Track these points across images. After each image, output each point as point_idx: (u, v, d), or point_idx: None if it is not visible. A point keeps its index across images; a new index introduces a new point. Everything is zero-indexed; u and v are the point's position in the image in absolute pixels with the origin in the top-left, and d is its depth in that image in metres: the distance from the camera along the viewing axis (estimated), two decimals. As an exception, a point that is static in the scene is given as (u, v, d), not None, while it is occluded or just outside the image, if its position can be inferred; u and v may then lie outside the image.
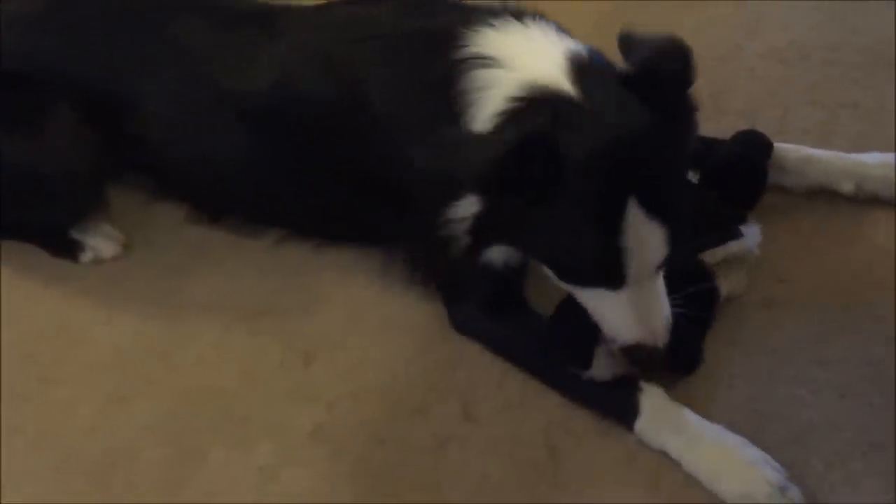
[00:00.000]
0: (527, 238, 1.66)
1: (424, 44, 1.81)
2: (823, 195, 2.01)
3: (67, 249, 2.12)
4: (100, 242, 2.11)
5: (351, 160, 1.89)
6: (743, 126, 2.13)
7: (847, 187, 2.00)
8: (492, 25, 1.76)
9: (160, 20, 2.05)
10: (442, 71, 1.74)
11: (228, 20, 2.03)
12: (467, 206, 1.68)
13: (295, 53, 1.92)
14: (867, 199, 2.00)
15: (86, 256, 2.11)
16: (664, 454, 1.70)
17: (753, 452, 1.66)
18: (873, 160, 2.01)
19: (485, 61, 1.71)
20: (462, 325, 1.89)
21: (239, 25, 2.01)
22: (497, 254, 1.79)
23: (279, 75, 1.92)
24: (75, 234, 2.12)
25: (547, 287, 1.83)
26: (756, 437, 1.68)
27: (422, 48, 1.81)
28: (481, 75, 1.70)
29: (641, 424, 1.72)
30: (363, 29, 1.89)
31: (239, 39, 1.99)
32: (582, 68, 1.65)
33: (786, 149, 2.02)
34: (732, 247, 1.86)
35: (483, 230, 1.69)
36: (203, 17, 2.05)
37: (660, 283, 1.67)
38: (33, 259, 2.12)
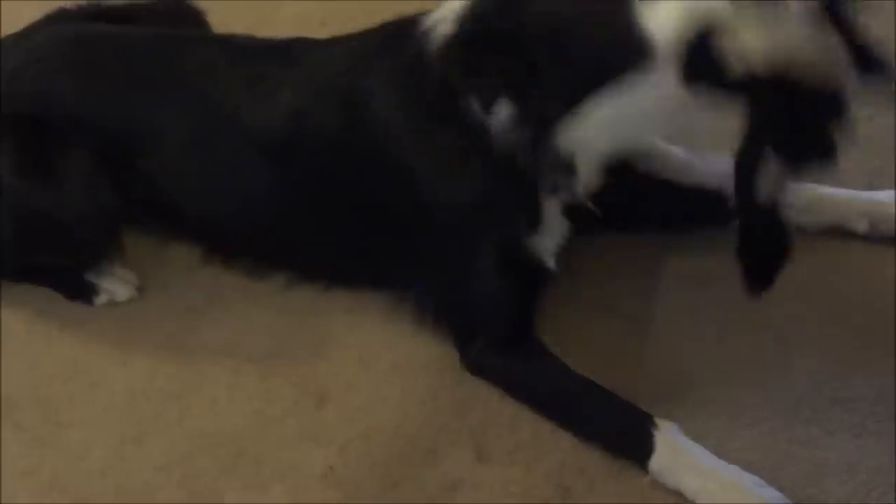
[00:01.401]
0: None
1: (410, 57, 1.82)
2: (837, 234, 2.00)
3: (82, 293, 2.13)
4: (114, 285, 2.12)
5: (365, 194, 1.90)
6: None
7: (861, 226, 1.99)
8: None
9: (177, 59, 2.07)
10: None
11: (245, 56, 2.04)
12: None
13: (304, 87, 1.93)
14: (882, 238, 1.99)
15: (100, 299, 2.12)
16: (679, 494, 1.68)
17: (769, 493, 1.65)
18: (887, 198, 2.00)
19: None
20: (474, 365, 1.88)
21: (255, 60, 2.02)
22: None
23: (292, 110, 1.93)
24: (90, 278, 2.12)
25: (557, 327, 1.84)
26: (771, 477, 1.67)
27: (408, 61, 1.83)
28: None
29: (656, 463, 1.70)
30: (360, 58, 1.90)
31: (256, 75, 1.99)
32: None
33: (799, 188, 2.01)
34: None
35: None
36: (219, 53, 2.06)
37: None
38: (49, 303, 2.13)
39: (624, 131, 1.71)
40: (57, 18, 2.25)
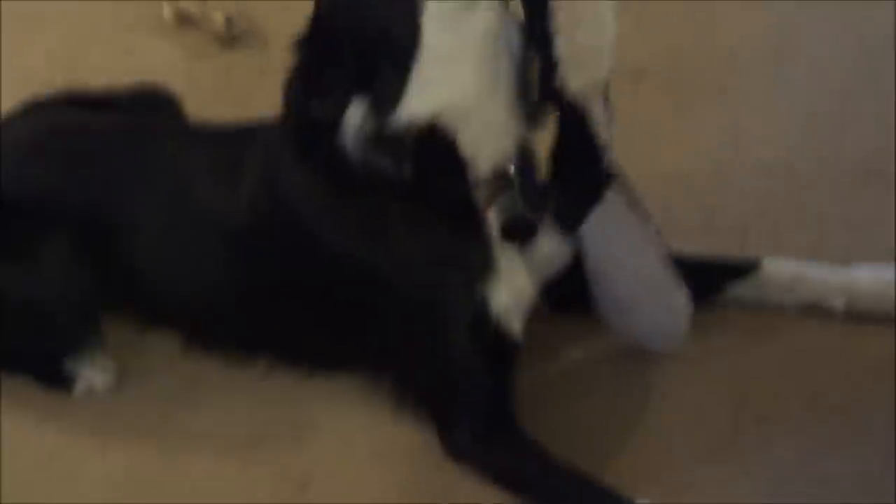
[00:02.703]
0: None
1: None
2: (815, 312, 2.01)
3: (61, 381, 2.09)
4: (94, 373, 2.09)
5: (318, 279, 1.90)
6: (734, 242, 2.15)
7: (838, 303, 2.00)
8: None
9: (151, 145, 2.09)
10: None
11: (213, 141, 2.07)
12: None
13: (255, 172, 1.94)
14: (859, 316, 1.99)
15: (80, 388, 2.10)
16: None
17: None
18: (864, 274, 2.02)
19: None
20: (455, 452, 1.87)
21: (222, 146, 2.04)
22: None
23: (248, 196, 1.94)
24: (69, 365, 2.10)
25: (535, 409, 1.85)
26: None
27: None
28: None
29: (636, 546, 1.70)
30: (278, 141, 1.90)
31: (221, 160, 2.01)
32: None
33: (776, 265, 2.03)
34: None
35: None
36: (191, 139, 2.10)
37: None
38: (28, 392, 2.10)
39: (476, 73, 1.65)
40: (35, 106, 2.26)
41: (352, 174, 1.76)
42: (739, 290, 2.04)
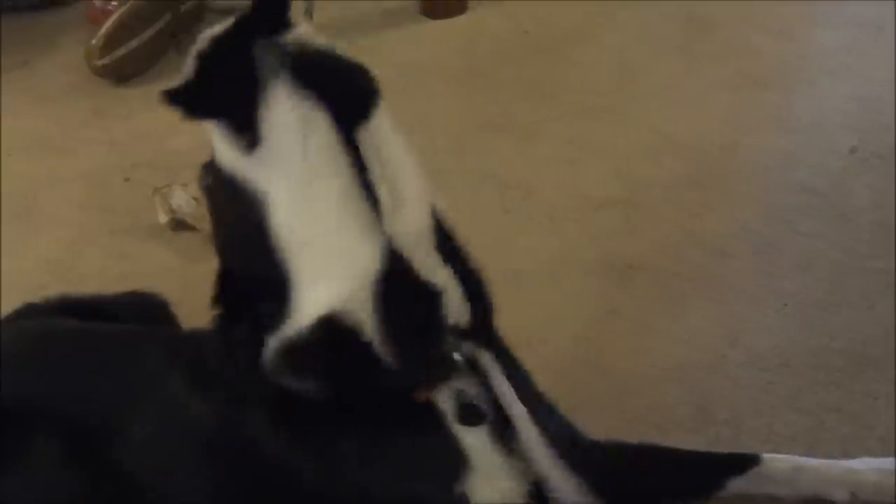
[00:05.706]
0: None
1: None
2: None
3: None
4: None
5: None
6: (728, 436, 2.13)
7: (841, 496, 1.96)
8: None
9: (140, 353, 2.07)
10: None
11: (203, 350, 2.03)
12: None
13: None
14: (863, 506, 1.96)
15: None
16: None
17: None
18: (865, 466, 1.99)
19: None
20: None
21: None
22: None
23: (225, 411, 1.90)
24: (55, 579, 2.05)
25: None
26: None
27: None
28: None
29: None
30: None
31: (206, 367, 1.96)
32: None
33: (774, 458, 1.99)
34: None
35: None
36: (180, 346, 2.08)
37: None
38: None
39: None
40: (24, 313, 2.26)
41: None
42: (739, 485, 2.00)
